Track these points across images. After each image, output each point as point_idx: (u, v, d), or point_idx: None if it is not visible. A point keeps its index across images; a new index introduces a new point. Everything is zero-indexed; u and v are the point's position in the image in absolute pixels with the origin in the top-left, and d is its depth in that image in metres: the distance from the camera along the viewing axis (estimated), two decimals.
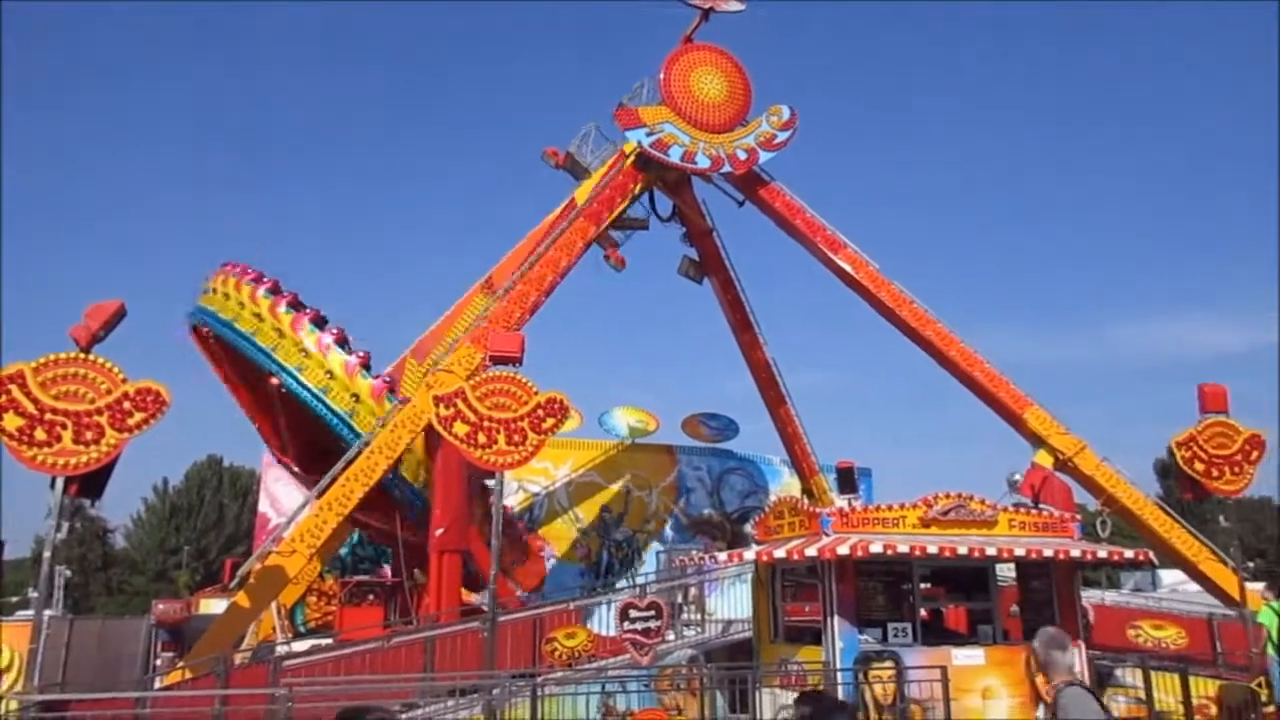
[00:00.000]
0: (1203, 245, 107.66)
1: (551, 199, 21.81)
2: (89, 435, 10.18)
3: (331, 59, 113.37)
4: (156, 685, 15.50)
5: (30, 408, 10.00)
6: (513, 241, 21.66)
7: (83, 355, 10.41)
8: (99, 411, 10.26)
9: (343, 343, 18.48)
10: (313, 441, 19.95)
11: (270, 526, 27.62)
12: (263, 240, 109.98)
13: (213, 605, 25.79)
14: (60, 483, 10.24)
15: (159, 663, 23.74)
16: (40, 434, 9.98)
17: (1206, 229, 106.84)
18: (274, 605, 22.44)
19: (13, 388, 10.02)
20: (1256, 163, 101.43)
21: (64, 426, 10.10)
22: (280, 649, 18.49)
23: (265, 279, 18.93)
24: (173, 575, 50.61)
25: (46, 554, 10.42)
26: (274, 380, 18.16)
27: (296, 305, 18.70)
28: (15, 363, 10.20)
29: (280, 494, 30.78)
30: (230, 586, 23.61)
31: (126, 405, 10.38)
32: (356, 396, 17.97)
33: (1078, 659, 4.95)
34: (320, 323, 18.63)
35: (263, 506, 32.12)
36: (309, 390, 17.89)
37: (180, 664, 15.88)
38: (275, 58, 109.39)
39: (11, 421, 9.96)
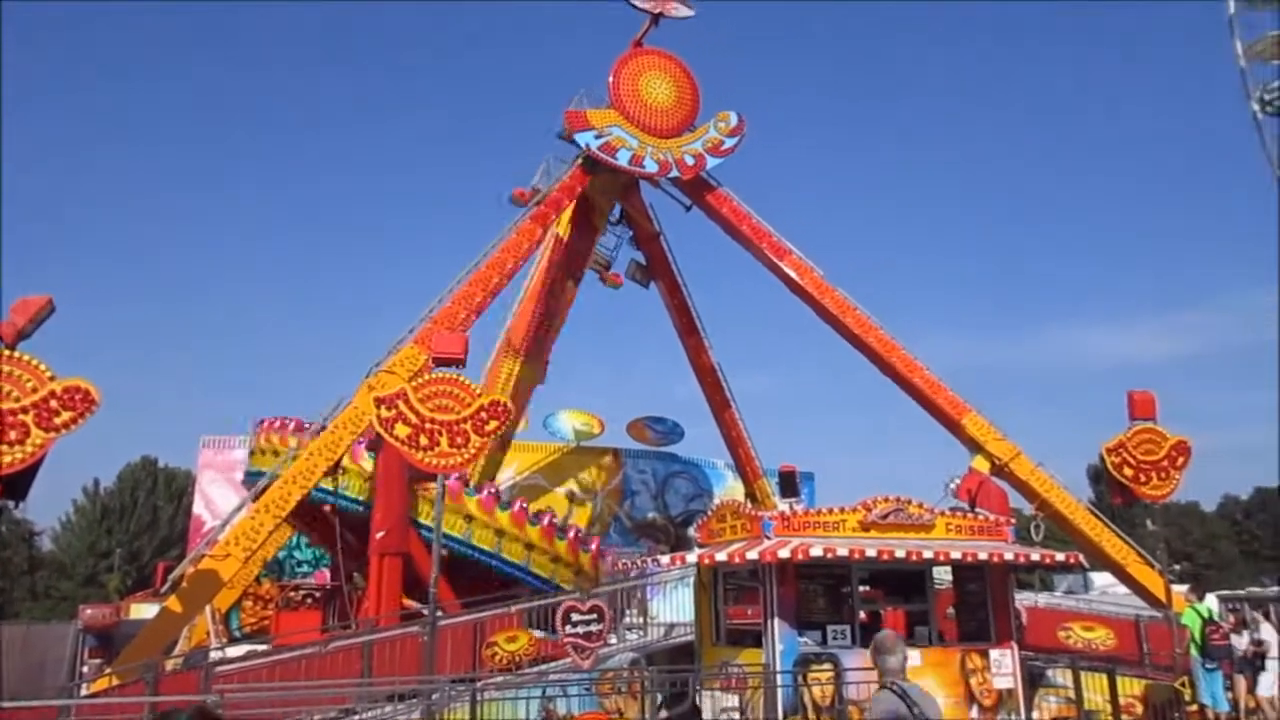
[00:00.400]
0: (1150, 253, 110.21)
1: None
2: (13, 434, 9.83)
3: (332, 59, 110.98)
4: (83, 692, 15.02)
5: None
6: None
7: (7, 352, 10.06)
8: (24, 410, 9.92)
9: (374, 448, 18.30)
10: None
11: (205, 529, 27.07)
12: (261, 240, 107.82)
13: (144, 610, 25.12)
14: None
15: (86, 669, 23.09)
16: None
17: (1154, 236, 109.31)
18: (209, 610, 21.95)
19: None
20: (1224, 165, 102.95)
21: None
22: (214, 654, 18.08)
23: (289, 420, 19.56)
24: (103, 579, 49.03)
25: None
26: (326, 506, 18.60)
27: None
28: None
29: (216, 496, 30.20)
30: (162, 591, 23.05)
31: (53, 404, 10.05)
32: None
33: (904, 661, 5.24)
34: None
35: (198, 508, 31.48)
36: (359, 503, 18.18)
37: (108, 670, 15.41)
38: (276, 57, 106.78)
39: None
